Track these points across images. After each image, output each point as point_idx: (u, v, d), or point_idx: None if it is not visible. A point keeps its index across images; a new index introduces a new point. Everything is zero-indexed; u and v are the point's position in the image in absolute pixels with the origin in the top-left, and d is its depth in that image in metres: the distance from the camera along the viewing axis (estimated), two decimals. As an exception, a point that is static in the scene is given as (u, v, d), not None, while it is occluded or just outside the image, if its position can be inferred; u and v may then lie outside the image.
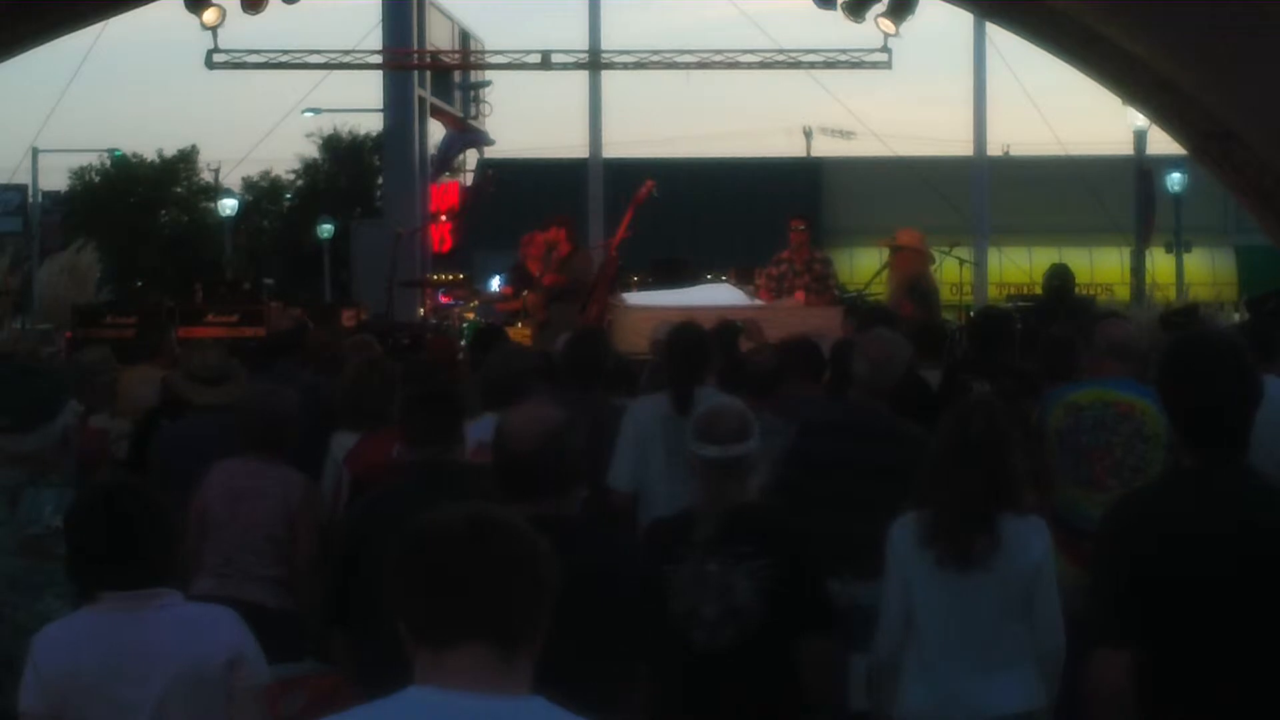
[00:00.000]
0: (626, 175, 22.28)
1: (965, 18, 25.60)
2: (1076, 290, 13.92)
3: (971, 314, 18.49)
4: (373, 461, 7.20)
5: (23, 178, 44.32)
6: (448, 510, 2.73)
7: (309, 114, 41.80)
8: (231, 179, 50.11)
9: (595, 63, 26.52)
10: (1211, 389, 3.94)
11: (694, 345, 7.45)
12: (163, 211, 53.93)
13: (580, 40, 29.24)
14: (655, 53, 23.73)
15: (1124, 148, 35.31)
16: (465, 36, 36.87)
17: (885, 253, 14.79)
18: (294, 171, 53.91)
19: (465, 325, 16.49)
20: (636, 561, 4.69)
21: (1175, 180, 35.57)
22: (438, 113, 36.86)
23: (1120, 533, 4.01)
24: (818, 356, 8.16)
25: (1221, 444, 3.95)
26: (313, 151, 53.01)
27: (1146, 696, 3.89)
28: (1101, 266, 37.85)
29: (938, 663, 5.05)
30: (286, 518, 6.61)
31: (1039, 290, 15.06)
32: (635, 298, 14.00)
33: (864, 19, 17.25)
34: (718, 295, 13.81)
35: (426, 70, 34.01)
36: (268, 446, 6.72)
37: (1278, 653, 3.81)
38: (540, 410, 4.64)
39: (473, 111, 39.01)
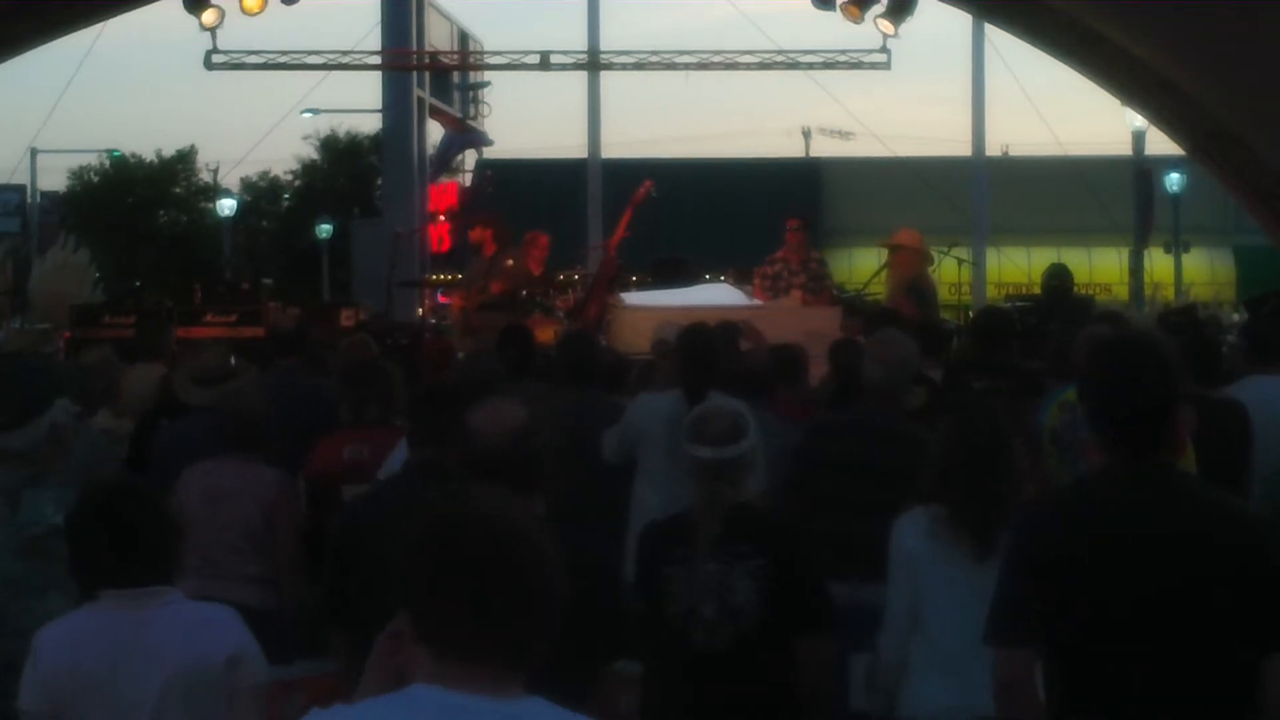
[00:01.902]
0: (625, 175, 22.25)
1: (964, 18, 25.56)
2: (1075, 290, 13.91)
3: (971, 314, 18.48)
4: (326, 463, 7.23)
5: (22, 178, 44.53)
6: (461, 512, 2.73)
7: (308, 114, 41.84)
8: (230, 179, 50.27)
9: (594, 63, 26.48)
10: (1133, 394, 3.88)
11: (703, 348, 7.42)
12: (161, 212, 53.93)
13: (579, 40, 29.21)
14: (655, 53, 23.67)
15: (1123, 148, 35.29)
16: (464, 37, 36.79)
17: (884, 253, 14.79)
18: (293, 172, 54.00)
19: (464, 325, 16.44)
20: (604, 562, 4.67)
21: (1174, 180, 35.56)
22: (437, 113, 36.77)
23: (1031, 534, 3.98)
24: (798, 363, 8.15)
25: (1141, 448, 3.89)
26: (311, 152, 53.11)
27: (1057, 695, 3.87)
28: (1100, 267, 37.83)
29: (957, 656, 4.96)
30: (264, 516, 6.65)
31: (1038, 290, 15.03)
32: (635, 298, 13.98)
33: (863, 20, 17.22)
34: (717, 295, 13.78)
35: (425, 71, 33.93)
36: (243, 446, 6.80)
37: (1196, 655, 3.77)
38: (504, 407, 4.61)
39: (471, 112, 38.92)
